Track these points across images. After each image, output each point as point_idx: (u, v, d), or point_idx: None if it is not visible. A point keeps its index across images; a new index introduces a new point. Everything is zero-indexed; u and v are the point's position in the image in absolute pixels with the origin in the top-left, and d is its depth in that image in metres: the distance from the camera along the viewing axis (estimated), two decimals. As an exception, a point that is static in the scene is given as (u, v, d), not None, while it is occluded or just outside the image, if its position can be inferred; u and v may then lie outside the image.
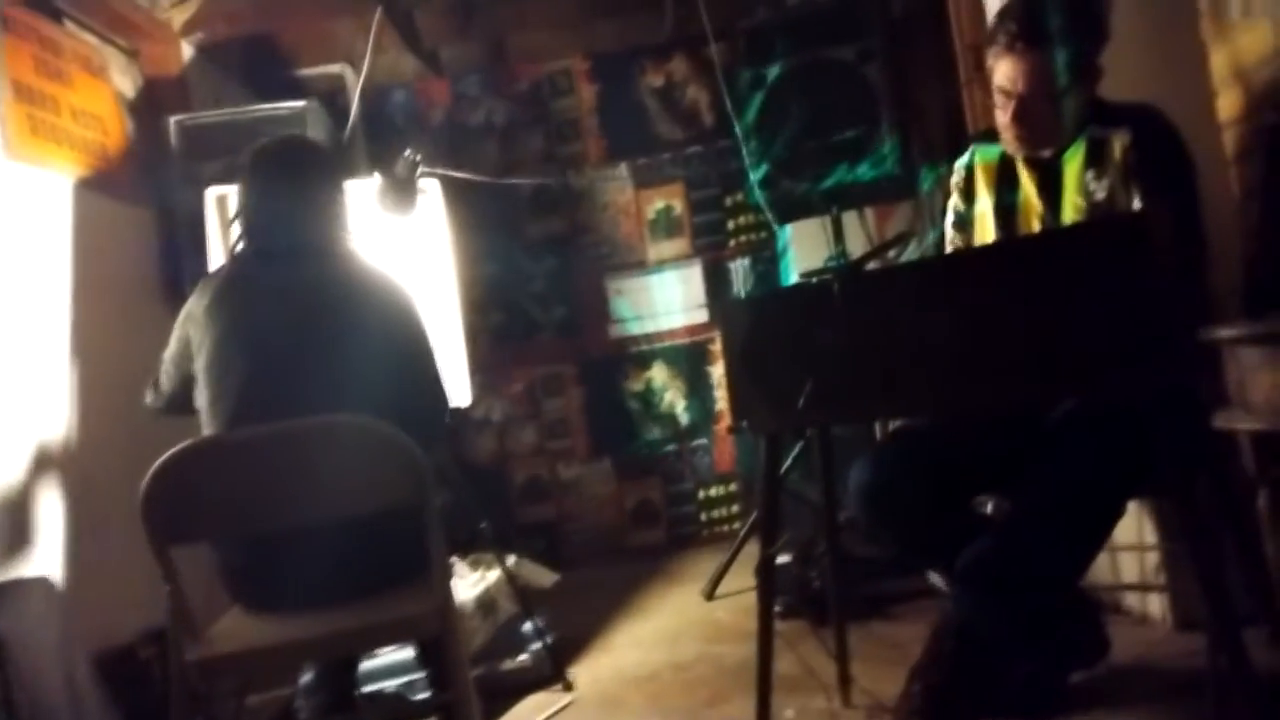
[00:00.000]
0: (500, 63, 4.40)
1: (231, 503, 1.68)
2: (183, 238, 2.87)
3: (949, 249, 2.06)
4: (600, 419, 4.39)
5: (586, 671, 2.72)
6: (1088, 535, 1.68)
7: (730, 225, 4.38)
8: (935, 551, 1.91)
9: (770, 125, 2.85)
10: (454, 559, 2.76)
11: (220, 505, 1.69)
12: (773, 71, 2.83)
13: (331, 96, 3.69)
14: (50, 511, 2.43)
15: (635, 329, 4.39)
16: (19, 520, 2.31)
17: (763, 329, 1.73)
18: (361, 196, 2.56)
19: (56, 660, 2.05)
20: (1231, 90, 2.05)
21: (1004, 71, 1.78)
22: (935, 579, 2.62)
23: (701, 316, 4.37)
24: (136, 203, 3.05)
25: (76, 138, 2.79)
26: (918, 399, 1.63)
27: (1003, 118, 1.83)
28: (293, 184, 1.96)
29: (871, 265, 1.77)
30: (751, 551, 2.12)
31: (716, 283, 4.36)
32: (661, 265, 4.39)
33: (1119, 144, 1.76)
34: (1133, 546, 2.25)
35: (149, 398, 2.05)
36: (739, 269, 4.37)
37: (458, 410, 2.51)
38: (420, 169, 2.56)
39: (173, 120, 2.92)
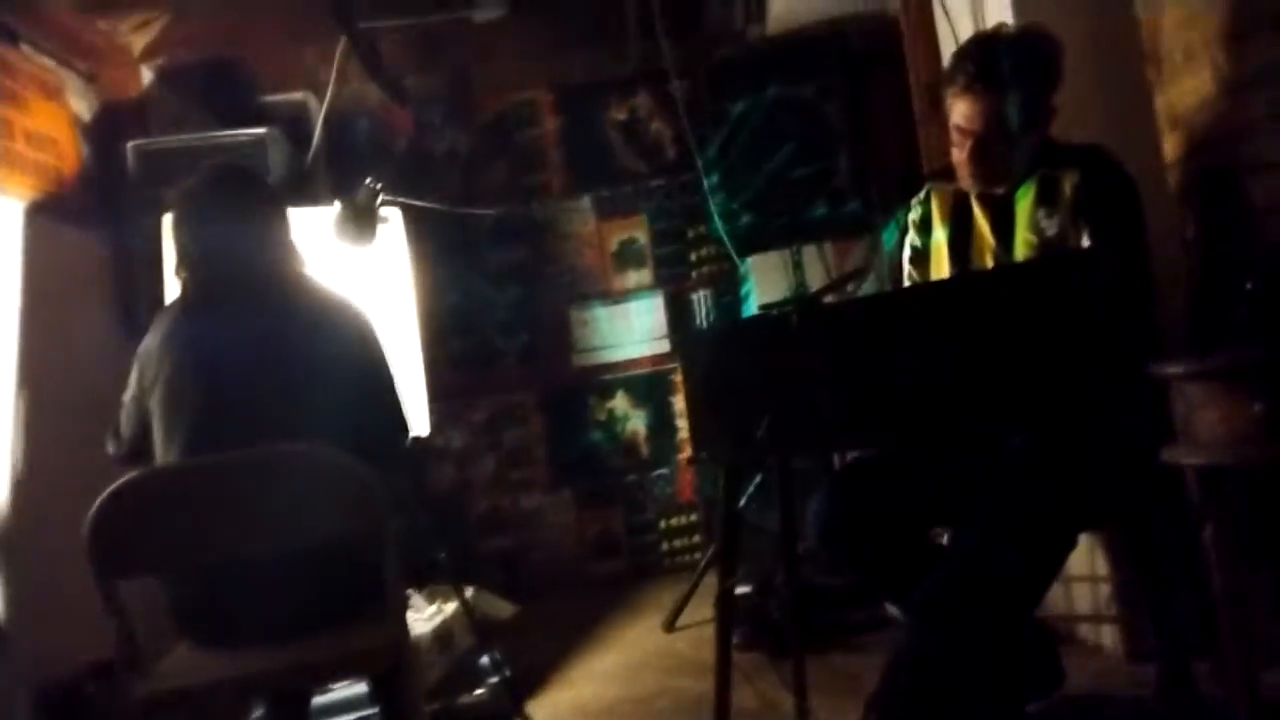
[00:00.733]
0: (465, 93, 4.41)
1: (180, 534, 1.64)
2: (139, 264, 2.83)
3: (906, 283, 2.09)
4: (561, 448, 4.37)
5: (545, 706, 2.69)
6: (1041, 567, 1.69)
7: (693, 257, 4.41)
8: (893, 582, 1.94)
9: (732, 160, 2.88)
10: (410, 591, 2.72)
11: (168, 537, 1.65)
12: (736, 108, 2.87)
13: (294, 123, 3.65)
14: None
15: (598, 359, 4.39)
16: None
17: (722, 360, 1.74)
18: (322, 224, 2.55)
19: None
20: (1174, 133, 2.13)
21: (961, 111, 1.83)
22: (893, 610, 2.63)
23: (664, 347, 4.37)
24: (91, 228, 3.00)
25: (29, 162, 2.75)
26: (875, 431, 1.65)
27: (959, 155, 1.88)
28: (225, 211, 1.92)
29: (829, 298, 1.79)
30: (712, 582, 2.11)
31: (679, 314, 4.38)
32: (625, 296, 4.40)
33: (1069, 183, 1.81)
34: (1086, 577, 2.28)
35: (111, 447, 1.98)
36: (702, 300, 4.40)
37: (418, 439, 2.49)
38: (381, 197, 2.55)
39: (130, 145, 2.87)
